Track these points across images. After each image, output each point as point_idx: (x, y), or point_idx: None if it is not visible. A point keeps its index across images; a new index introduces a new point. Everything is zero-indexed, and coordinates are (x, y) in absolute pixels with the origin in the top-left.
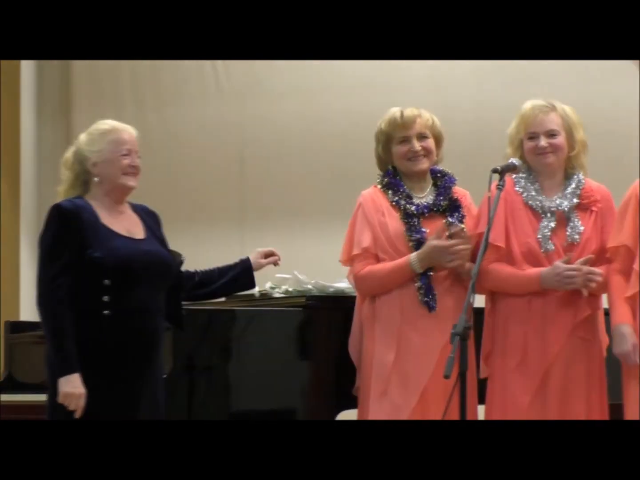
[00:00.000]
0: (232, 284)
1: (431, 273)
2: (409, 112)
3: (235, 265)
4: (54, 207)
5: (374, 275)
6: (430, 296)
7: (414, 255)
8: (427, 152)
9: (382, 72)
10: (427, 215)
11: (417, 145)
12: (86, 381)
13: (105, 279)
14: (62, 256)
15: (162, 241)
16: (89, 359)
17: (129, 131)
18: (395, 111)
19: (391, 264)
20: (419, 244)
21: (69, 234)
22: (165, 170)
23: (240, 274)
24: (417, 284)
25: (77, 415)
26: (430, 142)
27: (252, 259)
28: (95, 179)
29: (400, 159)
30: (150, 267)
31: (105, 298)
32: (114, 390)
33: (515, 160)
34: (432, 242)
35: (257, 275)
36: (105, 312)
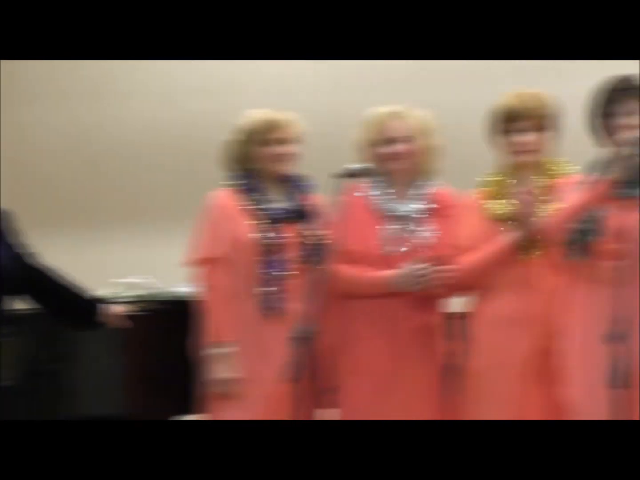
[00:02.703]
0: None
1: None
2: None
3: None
4: None
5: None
6: (278, 300)
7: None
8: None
9: (233, 73)
10: (282, 220)
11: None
12: None
13: None
14: None
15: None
16: None
17: None
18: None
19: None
20: (269, 248)
21: None
22: (16, 171)
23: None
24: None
25: None
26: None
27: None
28: None
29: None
30: None
31: None
32: None
33: (360, 165)
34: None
35: (93, 279)
36: None
